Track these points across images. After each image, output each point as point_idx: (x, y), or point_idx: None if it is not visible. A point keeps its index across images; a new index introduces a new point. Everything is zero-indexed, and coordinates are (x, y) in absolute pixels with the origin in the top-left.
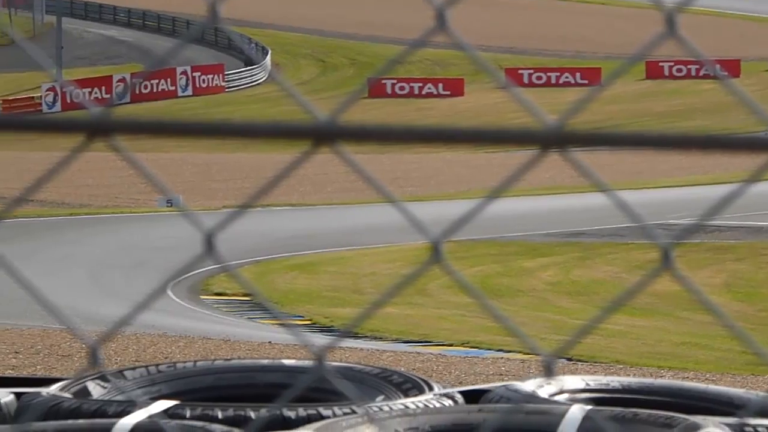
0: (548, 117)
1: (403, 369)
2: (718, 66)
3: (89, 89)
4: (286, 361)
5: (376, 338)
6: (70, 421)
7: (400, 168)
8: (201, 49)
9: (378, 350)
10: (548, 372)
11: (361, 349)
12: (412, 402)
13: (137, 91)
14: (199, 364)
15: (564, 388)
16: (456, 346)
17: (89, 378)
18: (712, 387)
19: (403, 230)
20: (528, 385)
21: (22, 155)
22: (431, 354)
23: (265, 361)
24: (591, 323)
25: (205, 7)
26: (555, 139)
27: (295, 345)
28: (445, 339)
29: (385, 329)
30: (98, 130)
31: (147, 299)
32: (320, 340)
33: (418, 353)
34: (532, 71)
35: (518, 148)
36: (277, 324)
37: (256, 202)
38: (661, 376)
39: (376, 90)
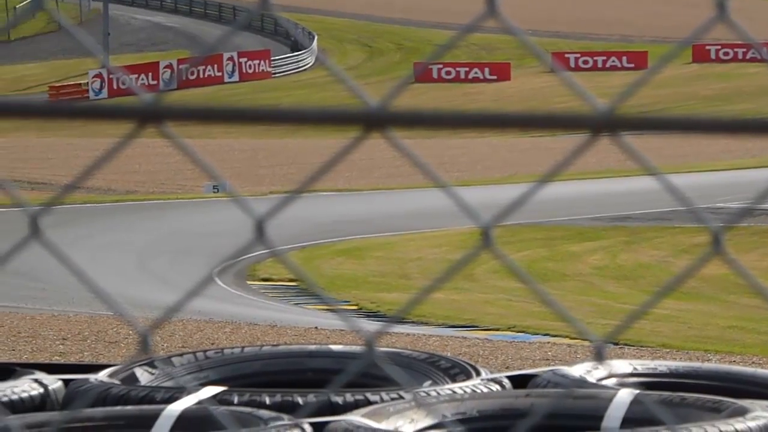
0: (598, 101)
1: (449, 354)
2: (765, 49)
3: (136, 75)
4: (334, 347)
5: (422, 323)
6: (118, 408)
7: (446, 153)
8: (247, 34)
9: (424, 335)
10: (598, 357)
11: (408, 334)
12: (459, 387)
13: (184, 78)
14: (246, 350)
15: (612, 372)
16: (502, 330)
17: (137, 364)
18: (760, 371)
19: (449, 215)
20: (576, 370)
21: (68, 141)
22: (477, 339)
23: (313, 347)
24: (642, 308)
25: None
26: (606, 124)
27: (342, 330)
28: (492, 323)
29: (431, 314)
30: (149, 117)
31: (197, 286)
32: (367, 325)
33: (465, 338)
34: (578, 55)
35: (568, 132)
36: (325, 309)
37: (307, 188)
38: (708, 360)
39: (422, 75)
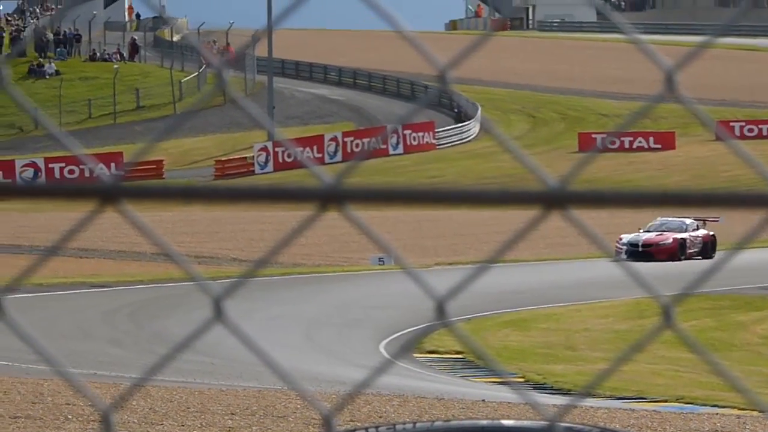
0: None
1: (618, 426)
2: None
3: (301, 148)
4: (505, 421)
5: (589, 395)
6: None
7: (613, 222)
8: (410, 106)
9: (592, 407)
10: None
11: (575, 406)
12: None
13: (349, 150)
14: (418, 425)
15: None
16: (670, 401)
17: None
18: None
19: (615, 286)
20: None
21: (235, 215)
22: (645, 410)
23: (485, 422)
24: None
25: (417, 64)
26: None
27: (510, 403)
28: (660, 395)
29: (598, 386)
30: (331, 199)
31: (384, 365)
32: (538, 398)
33: (632, 410)
34: (743, 123)
35: (747, 210)
36: (493, 382)
37: (488, 267)
38: None
39: (586, 144)
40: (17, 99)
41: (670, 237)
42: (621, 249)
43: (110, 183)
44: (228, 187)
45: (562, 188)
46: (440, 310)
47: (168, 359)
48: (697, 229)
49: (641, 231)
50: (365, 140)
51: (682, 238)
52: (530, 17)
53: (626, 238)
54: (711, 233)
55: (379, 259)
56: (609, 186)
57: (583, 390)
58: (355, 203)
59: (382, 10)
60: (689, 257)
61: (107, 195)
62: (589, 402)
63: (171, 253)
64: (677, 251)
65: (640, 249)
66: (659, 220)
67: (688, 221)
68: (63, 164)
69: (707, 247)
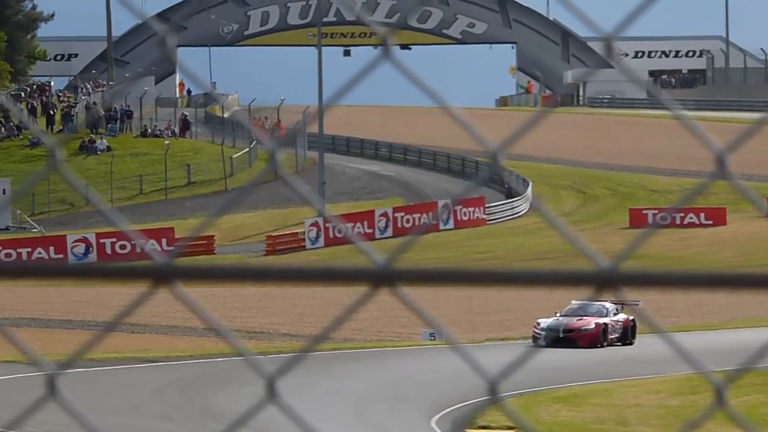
0: None
1: None
2: None
3: (352, 224)
4: None
5: None
6: None
7: (664, 298)
8: (460, 182)
9: None
10: None
11: None
12: None
13: (399, 226)
14: None
15: None
16: None
17: None
18: None
19: (666, 361)
20: None
21: (286, 290)
22: None
23: None
24: None
25: (466, 140)
26: None
27: None
28: None
29: None
30: (384, 280)
31: None
32: None
33: None
34: None
35: None
36: None
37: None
38: None
39: (637, 219)
40: (69, 179)
41: (592, 322)
42: (539, 334)
43: (163, 264)
44: (280, 267)
45: (614, 269)
46: (492, 390)
47: None
48: (617, 313)
49: (558, 315)
50: (416, 216)
51: (604, 323)
52: (580, 93)
53: (544, 322)
54: (630, 318)
55: (431, 334)
56: (659, 263)
57: None
58: (407, 284)
59: (435, 92)
60: (611, 343)
61: (160, 276)
62: None
63: (223, 331)
64: (600, 337)
65: (561, 335)
66: (576, 303)
67: (607, 305)
68: (114, 239)
69: (627, 333)
